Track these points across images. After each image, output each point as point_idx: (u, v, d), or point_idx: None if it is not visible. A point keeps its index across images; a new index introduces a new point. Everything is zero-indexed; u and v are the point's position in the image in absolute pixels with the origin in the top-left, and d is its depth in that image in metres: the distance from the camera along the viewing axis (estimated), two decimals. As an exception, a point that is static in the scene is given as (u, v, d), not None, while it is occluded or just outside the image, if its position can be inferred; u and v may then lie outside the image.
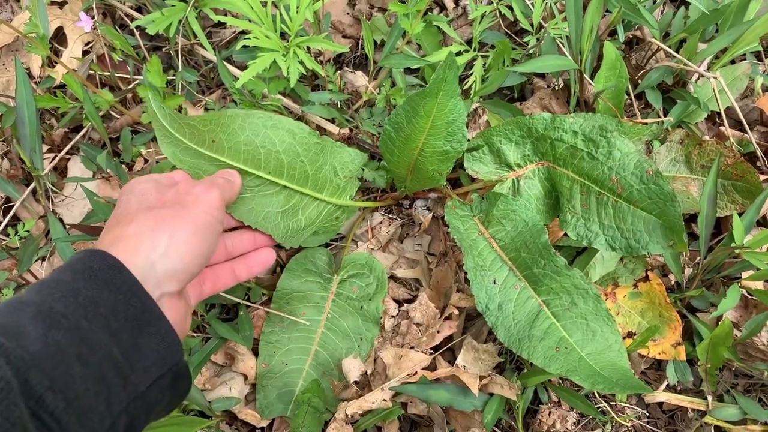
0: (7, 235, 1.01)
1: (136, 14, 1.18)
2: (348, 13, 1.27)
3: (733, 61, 1.13)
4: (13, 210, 1.05)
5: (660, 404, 0.98)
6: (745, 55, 1.16)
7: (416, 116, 0.87)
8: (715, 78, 1.02)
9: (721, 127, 1.06)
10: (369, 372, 0.94)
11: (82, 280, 0.51)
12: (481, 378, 0.89)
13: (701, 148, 1.00)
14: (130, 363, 0.49)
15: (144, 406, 0.50)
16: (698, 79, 1.10)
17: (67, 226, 1.03)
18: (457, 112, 0.86)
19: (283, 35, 0.95)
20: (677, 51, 1.08)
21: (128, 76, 1.15)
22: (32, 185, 1.06)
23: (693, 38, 1.06)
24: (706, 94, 1.08)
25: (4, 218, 1.05)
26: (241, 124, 0.85)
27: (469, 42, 1.14)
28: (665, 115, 1.08)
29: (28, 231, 1.00)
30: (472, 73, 1.11)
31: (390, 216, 1.08)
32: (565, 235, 0.93)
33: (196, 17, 1.05)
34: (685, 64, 1.05)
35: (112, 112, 1.14)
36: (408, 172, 0.95)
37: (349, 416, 0.90)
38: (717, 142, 0.99)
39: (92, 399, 0.45)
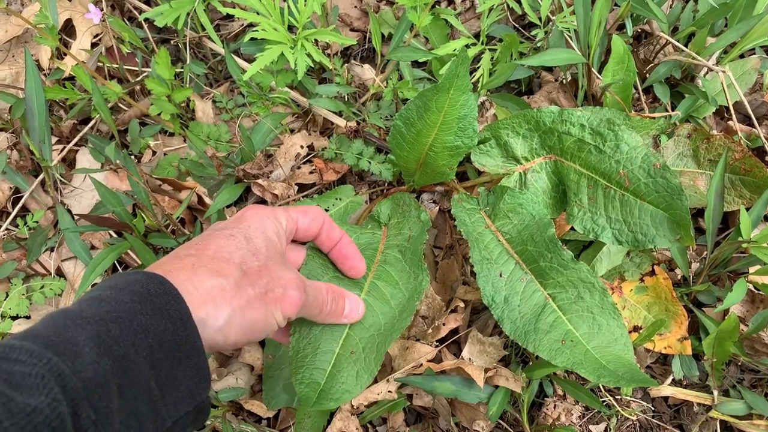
0: (16, 226, 1.02)
1: (144, 6, 1.19)
2: (355, 6, 1.27)
3: (742, 56, 1.13)
4: (22, 201, 1.06)
5: (665, 398, 0.98)
6: (754, 49, 1.15)
7: (427, 112, 0.87)
8: (724, 72, 1.01)
9: (730, 122, 1.06)
10: (375, 364, 0.94)
11: (139, 303, 0.49)
12: (486, 370, 0.89)
13: (709, 142, 1.00)
14: (164, 396, 0.49)
15: None
16: (707, 73, 1.10)
17: (76, 217, 1.04)
18: (468, 108, 0.86)
19: (290, 28, 0.95)
20: (686, 45, 1.08)
21: (136, 68, 1.15)
22: (41, 176, 1.07)
23: (702, 32, 1.05)
24: (714, 89, 1.08)
25: (13, 209, 1.06)
26: None
27: (476, 35, 1.13)
28: (673, 110, 1.08)
29: (37, 221, 1.01)
30: (479, 67, 1.11)
31: (396, 209, 1.08)
32: (572, 228, 0.93)
33: (204, 10, 1.05)
34: (693, 59, 1.04)
35: (120, 104, 1.15)
36: (417, 166, 0.95)
37: (355, 407, 0.90)
38: (725, 136, 0.98)
39: None
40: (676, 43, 1.06)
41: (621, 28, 1.14)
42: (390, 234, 0.94)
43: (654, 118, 0.99)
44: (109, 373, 0.44)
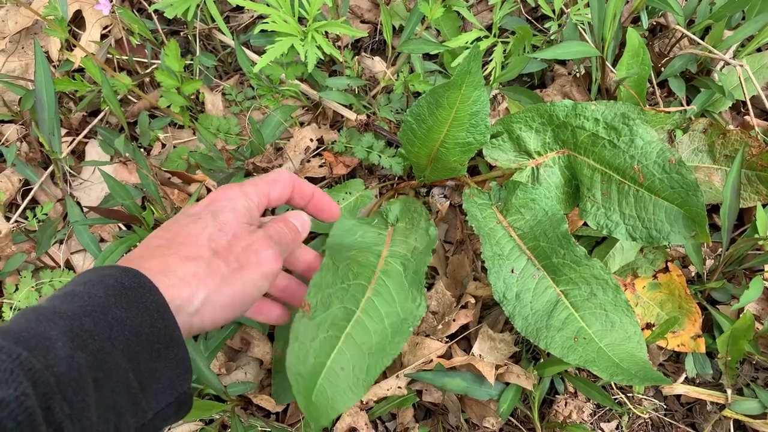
0: (26, 218, 1.01)
1: (154, -2, 1.18)
2: (366, -2, 1.25)
3: (759, 49, 1.11)
4: (31, 193, 1.05)
5: (678, 397, 0.96)
6: (772, 42, 1.14)
7: (439, 108, 0.86)
8: (741, 66, 0.99)
9: (746, 117, 1.04)
10: (384, 359, 0.94)
11: (114, 296, 0.49)
12: (497, 367, 0.88)
13: (725, 137, 0.98)
14: (143, 389, 0.48)
15: None
16: (723, 67, 1.08)
17: (85, 209, 1.04)
18: (480, 104, 0.85)
19: (301, 20, 0.94)
20: (702, 38, 1.06)
21: (146, 60, 1.14)
22: (50, 168, 1.06)
23: (719, 25, 1.03)
24: (731, 83, 1.06)
25: (22, 201, 1.06)
26: None
27: (489, 28, 1.12)
28: (688, 104, 1.07)
29: (46, 214, 1.01)
30: (491, 60, 1.09)
31: (407, 203, 1.07)
32: (585, 224, 0.92)
33: (213, 1, 1.04)
34: (710, 52, 1.03)
35: (129, 96, 1.14)
36: (428, 162, 0.95)
37: (364, 403, 0.89)
38: (741, 131, 0.97)
39: (103, 426, 0.44)
40: (693, 36, 1.04)
41: (636, 20, 1.12)
42: (395, 239, 0.92)
43: (669, 112, 0.98)
44: (84, 367, 0.44)
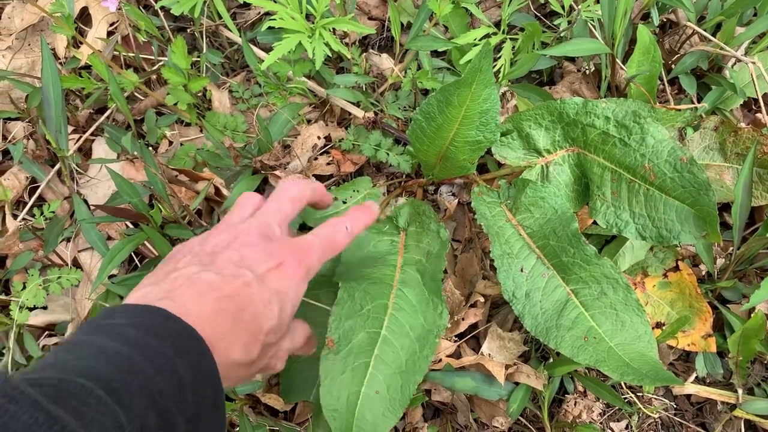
0: (33, 216, 1.01)
1: (160, -6, 1.17)
2: (374, -5, 1.25)
3: (771, 46, 1.10)
4: (38, 191, 1.05)
5: (688, 396, 0.96)
6: (784, 39, 1.12)
7: (449, 106, 0.85)
8: (753, 63, 0.99)
9: (758, 114, 1.03)
10: (392, 358, 0.93)
11: (179, 358, 0.49)
12: (506, 367, 0.88)
13: (736, 135, 0.97)
14: None
15: None
16: (735, 64, 1.07)
17: (92, 207, 1.03)
18: (491, 102, 0.84)
19: (308, 16, 0.94)
20: (713, 35, 1.05)
21: (153, 57, 1.14)
22: (57, 166, 1.06)
23: (730, 22, 1.02)
24: (742, 80, 1.05)
25: (29, 199, 1.06)
26: None
27: (497, 24, 1.11)
28: (699, 102, 1.06)
29: (53, 212, 1.00)
30: (500, 57, 1.08)
31: (415, 201, 1.07)
32: (594, 222, 0.91)
33: (221, -2, 1.03)
34: (721, 49, 1.02)
35: (136, 94, 1.14)
36: (437, 160, 0.94)
37: (373, 402, 0.89)
38: (753, 129, 0.96)
39: None
40: (704, 33, 1.03)
41: (646, 17, 1.11)
42: (409, 244, 0.91)
43: (680, 110, 0.97)
44: (152, 427, 0.44)
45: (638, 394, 0.94)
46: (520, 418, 0.92)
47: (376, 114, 1.06)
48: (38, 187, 1.06)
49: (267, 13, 1.19)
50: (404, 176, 1.07)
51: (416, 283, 0.84)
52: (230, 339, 0.55)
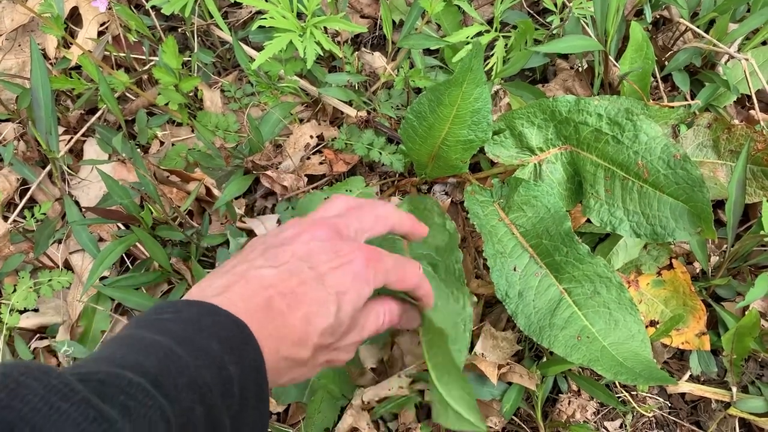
0: (24, 218, 1.00)
1: (151, -6, 1.16)
2: (366, -7, 1.24)
3: (764, 42, 1.09)
4: (29, 192, 1.04)
5: (682, 395, 0.96)
6: (777, 35, 1.12)
7: (440, 105, 0.84)
8: (746, 59, 0.98)
9: (752, 111, 1.03)
10: (386, 359, 0.93)
11: (227, 353, 0.49)
12: (499, 367, 0.88)
13: (730, 132, 0.97)
14: None
15: None
16: (728, 60, 1.07)
17: (83, 209, 1.03)
18: (482, 101, 0.84)
19: (299, 15, 0.93)
20: (706, 31, 1.05)
21: (144, 57, 1.13)
22: (48, 167, 1.05)
23: (723, 18, 1.02)
24: (736, 77, 1.05)
25: (20, 201, 1.05)
26: None
27: (490, 22, 1.11)
28: (693, 98, 1.05)
29: (45, 213, 1.00)
30: (493, 54, 1.08)
31: (408, 200, 1.06)
32: (588, 221, 0.91)
33: (211, -3, 1.03)
34: (714, 45, 1.01)
35: (127, 94, 1.13)
36: (429, 159, 0.93)
37: (366, 403, 0.89)
38: (747, 126, 0.95)
39: None
40: (697, 30, 1.02)
41: (639, 13, 1.11)
42: (412, 245, 0.89)
43: (673, 107, 0.96)
44: (200, 422, 0.44)
45: (632, 392, 0.93)
46: (514, 417, 0.92)
47: (368, 113, 1.06)
48: (29, 188, 1.05)
49: (258, 12, 1.19)
50: (397, 175, 1.07)
51: (431, 278, 0.80)
52: (279, 336, 0.53)
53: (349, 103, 1.07)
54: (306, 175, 1.04)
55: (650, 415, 0.93)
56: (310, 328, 0.54)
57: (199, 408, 0.44)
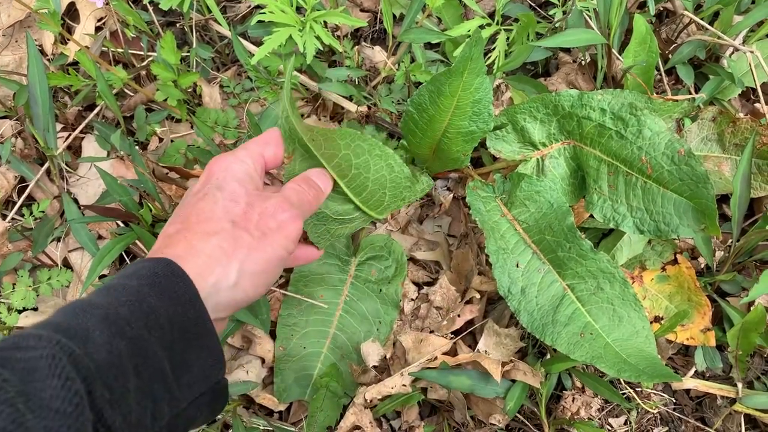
0: (22, 216, 1.00)
1: (149, -11, 1.15)
2: (366, -14, 1.23)
3: (769, 35, 1.08)
4: (27, 190, 1.04)
5: (687, 391, 0.95)
6: (782, 27, 1.11)
7: (441, 96, 0.83)
8: (752, 52, 0.97)
9: (757, 104, 1.02)
10: (388, 356, 0.92)
11: (147, 286, 0.49)
12: (503, 364, 0.87)
13: (735, 125, 0.96)
14: (177, 378, 0.48)
15: (182, 423, 0.50)
16: (733, 53, 1.06)
17: (82, 207, 1.02)
18: (483, 91, 0.83)
19: (299, 9, 0.92)
20: (711, 24, 1.04)
21: (142, 53, 1.12)
22: (46, 165, 1.04)
23: (728, 10, 1.01)
24: (740, 69, 1.04)
25: (18, 198, 1.04)
26: (348, 141, 0.76)
27: (491, 15, 1.09)
28: (697, 92, 1.04)
29: (43, 211, 0.99)
30: (494, 48, 1.07)
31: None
32: (591, 216, 0.90)
33: (210, -9, 1.02)
34: (718, 38, 1.00)
35: (126, 90, 1.12)
36: (431, 153, 0.92)
37: (368, 401, 0.88)
38: (752, 119, 0.94)
39: (141, 413, 0.45)
40: (701, 22, 1.01)
41: (642, 6, 1.10)
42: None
43: (677, 100, 0.95)
44: (124, 354, 0.44)
45: (637, 389, 0.93)
46: (518, 415, 0.91)
47: (369, 108, 1.05)
48: (27, 186, 1.04)
49: (257, 7, 1.17)
50: (398, 171, 1.05)
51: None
52: (192, 241, 0.55)
53: (350, 98, 1.06)
54: (306, 172, 1.03)
55: (655, 411, 0.93)
56: (209, 214, 0.57)
57: (119, 341, 0.44)
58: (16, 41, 1.18)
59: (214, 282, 0.53)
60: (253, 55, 0.91)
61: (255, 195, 0.61)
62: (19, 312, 0.93)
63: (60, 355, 0.40)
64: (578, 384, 0.91)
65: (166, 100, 1.00)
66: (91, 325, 0.44)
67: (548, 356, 0.90)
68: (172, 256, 0.53)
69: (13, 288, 0.93)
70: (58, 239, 1.01)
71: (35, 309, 0.98)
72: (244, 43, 1.08)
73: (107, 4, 1.07)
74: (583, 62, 1.10)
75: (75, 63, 1.10)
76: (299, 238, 0.62)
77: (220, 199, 0.59)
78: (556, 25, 1.07)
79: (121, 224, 1.00)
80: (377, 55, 1.14)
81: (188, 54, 1.09)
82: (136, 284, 0.49)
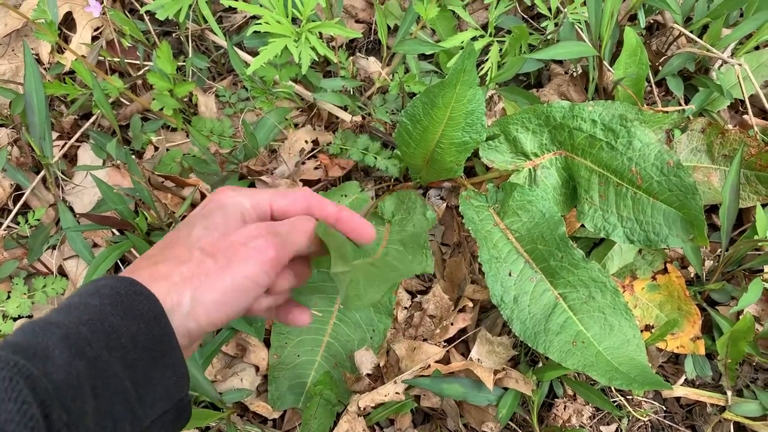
0: (18, 224, 1.00)
1: (145, -1, 1.16)
2: (361, -3, 1.24)
3: (757, 47, 1.10)
4: (23, 198, 1.04)
5: (678, 399, 0.96)
6: (770, 40, 1.13)
7: (434, 108, 0.84)
8: (740, 65, 0.98)
9: (745, 116, 1.03)
10: (382, 364, 0.93)
11: (110, 305, 0.48)
12: (495, 372, 0.88)
13: (724, 137, 0.97)
14: (140, 396, 0.48)
15: None
16: (721, 65, 1.07)
17: (78, 215, 1.02)
18: (476, 103, 0.84)
19: (294, 20, 0.93)
20: (700, 36, 1.05)
21: (138, 62, 1.13)
22: (42, 173, 1.05)
23: (717, 23, 1.02)
24: (729, 82, 1.05)
25: (14, 206, 1.04)
26: None
27: (484, 27, 1.11)
28: (687, 103, 1.06)
29: (39, 219, 0.99)
30: (487, 60, 1.08)
31: (403, 205, 1.06)
32: (582, 226, 0.91)
33: (206, 2, 1.03)
34: (707, 50, 1.02)
35: (122, 99, 1.13)
36: (424, 163, 0.93)
37: (362, 409, 0.89)
38: (740, 130, 0.96)
39: None
40: (690, 35, 1.03)
41: (633, 18, 1.11)
42: (393, 230, 0.93)
43: (667, 112, 0.97)
44: (83, 375, 0.43)
45: (628, 397, 0.94)
46: (510, 423, 0.92)
47: (363, 118, 1.06)
48: (23, 194, 1.05)
49: (253, 17, 1.19)
50: (392, 180, 1.07)
51: (399, 253, 0.85)
52: (160, 266, 0.53)
53: (344, 108, 1.07)
54: (301, 180, 1.04)
55: (646, 419, 0.93)
56: (184, 241, 0.55)
57: (78, 362, 0.43)
58: (13, 50, 1.18)
59: (170, 307, 0.51)
60: (249, 65, 0.92)
61: (234, 225, 0.57)
62: (14, 320, 0.93)
63: (17, 378, 0.39)
64: (570, 392, 0.92)
65: (162, 109, 1.01)
66: (51, 344, 0.43)
67: (540, 364, 0.91)
68: (138, 278, 0.52)
69: (8, 296, 0.93)
70: (54, 247, 1.01)
71: (30, 317, 0.98)
72: (240, 53, 1.09)
73: (104, 13, 1.08)
74: (574, 74, 1.12)
75: (71, 72, 1.11)
76: (274, 267, 0.56)
77: (198, 226, 0.56)
78: (548, 37, 1.09)
79: (117, 232, 1.01)
80: (372, 65, 1.15)
81: (184, 63, 1.09)
82: (98, 303, 0.48)
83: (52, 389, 0.41)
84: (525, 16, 1.19)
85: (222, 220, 0.57)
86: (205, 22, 1.10)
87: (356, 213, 0.65)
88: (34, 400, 0.39)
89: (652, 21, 1.17)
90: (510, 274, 0.85)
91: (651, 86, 1.07)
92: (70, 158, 1.11)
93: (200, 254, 0.54)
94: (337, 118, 1.07)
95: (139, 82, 1.13)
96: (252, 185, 1.04)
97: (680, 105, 1.05)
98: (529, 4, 1.11)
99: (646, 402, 0.94)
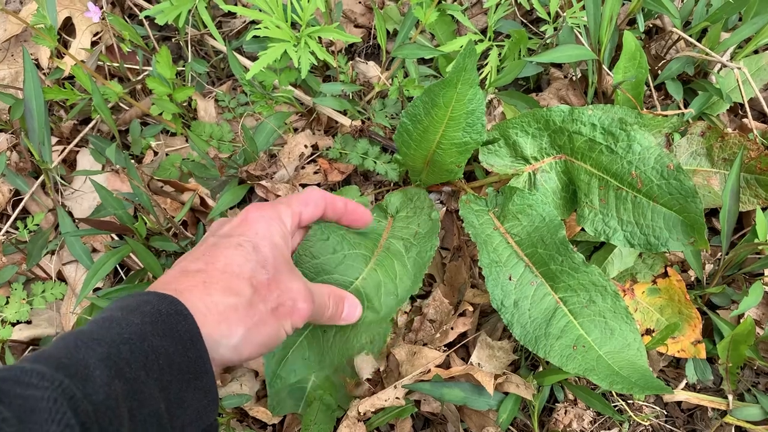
0: (17, 229, 1.00)
1: (145, 4, 1.16)
2: (360, 2, 1.24)
3: (756, 51, 1.10)
4: (22, 203, 1.04)
5: (679, 403, 0.95)
6: (769, 44, 1.13)
7: (435, 107, 0.84)
8: (739, 68, 0.98)
9: (744, 119, 1.03)
10: (382, 369, 0.93)
11: (150, 324, 0.49)
12: (496, 377, 0.87)
13: (723, 140, 0.97)
14: (172, 419, 0.48)
15: None
16: (721, 69, 1.07)
17: (77, 220, 1.02)
18: (476, 102, 0.84)
19: (294, 25, 0.93)
20: (699, 40, 1.05)
21: (137, 67, 1.13)
22: (41, 178, 1.05)
23: (716, 27, 1.03)
24: (728, 85, 1.05)
25: (13, 211, 1.04)
26: None
27: (483, 31, 1.11)
28: (686, 107, 1.06)
29: (38, 224, 0.99)
30: (486, 64, 1.08)
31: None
32: (583, 230, 0.91)
33: (205, 7, 1.03)
34: (707, 54, 1.02)
35: (121, 104, 1.13)
36: (425, 165, 0.93)
37: (362, 414, 0.88)
38: (740, 134, 0.96)
39: None
40: (689, 39, 1.03)
41: (632, 23, 1.11)
42: (396, 225, 0.93)
43: (666, 115, 0.97)
44: (120, 396, 0.44)
45: (629, 401, 0.93)
46: (511, 427, 0.91)
47: (363, 122, 1.06)
48: (22, 199, 1.04)
49: (252, 22, 1.19)
50: (392, 184, 1.07)
51: (400, 255, 0.87)
52: (210, 290, 0.55)
53: (344, 113, 1.07)
54: (301, 185, 1.04)
55: (647, 423, 0.93)
56: (237, 269, 0.58)
57: (117, 383, 0.44)
58: (12, 55, 1.18)
59: (218, 338, 0.54)
60: (248, 69, 0.92)
61: (285, 268, 0.63)
62: (13, 325, 0.93)
63: (61, 399, 0.40)
64: (570, 396, 0.91)
65: (161, 114, 1.01)
66: (92, 363, 0.44)
67: (541, 369, 0.91)
68: (184, 296, 0.53)
69: (7, 301, 0.93)
70: (53, 252, 1.01)
71: (29, 322, 0.98)
72: (239, 58, 1.09)
73: (103, 18, 1.08)
74: (574, 78, 1.12)
75: (71, 77, 1.11)
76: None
77: (252, 260, 0.60)
78: (548, 41, 1.09)
79: (116, 237, 1.01)
80: (371, 70, 1.15)
81: (183, 68, 1.09)
82: (139, 321, 0.49)
83: (92, 411, 0.42)
84: (524, 21, 1.19)
85: (273, 258, 0.62)
86: (205, 26, 1.10)
87: (358, 204, 0.78)
88: (76, 422, 0.40)
89: (651, 25, 1.17)
90: (510, 278, 0.84)
91: (650, 90, 1.07)
92: (69, 163, 1.10)
93: (252, 293, 0.58)
94: (337, 122, 1.07)
95: (139, 86, 1.13)
96: (251, 190, 1.04)
97: (679, 109, 1.05)
98: (528, 9, 1.11)
99: (647, 406, 0.94)
